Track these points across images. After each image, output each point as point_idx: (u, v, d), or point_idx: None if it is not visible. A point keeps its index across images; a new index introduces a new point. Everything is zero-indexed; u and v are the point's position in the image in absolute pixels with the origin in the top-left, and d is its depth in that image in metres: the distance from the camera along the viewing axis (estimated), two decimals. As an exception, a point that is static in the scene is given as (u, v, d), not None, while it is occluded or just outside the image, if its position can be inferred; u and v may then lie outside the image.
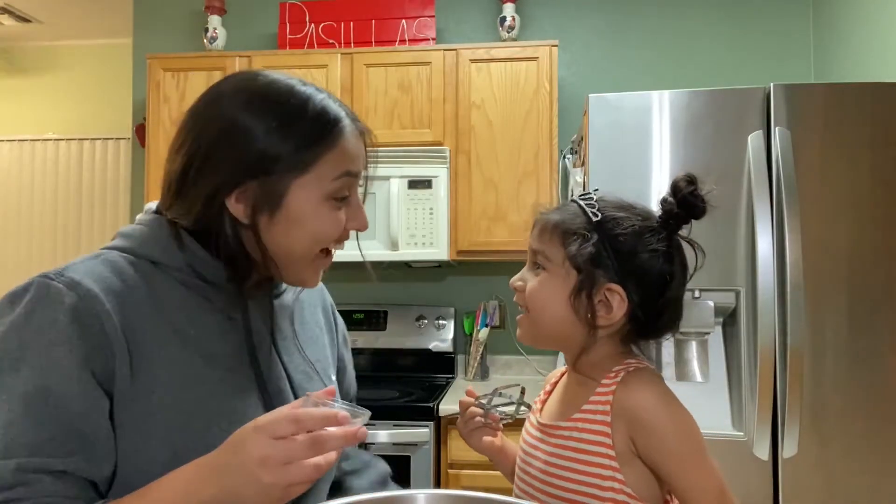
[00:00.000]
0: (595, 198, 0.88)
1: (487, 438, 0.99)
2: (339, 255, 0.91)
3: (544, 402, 0.98)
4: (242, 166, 0.78)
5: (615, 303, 0.85)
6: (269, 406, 0.82)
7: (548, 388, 1.00)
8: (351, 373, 1.11)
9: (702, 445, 0.83)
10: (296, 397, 0.86)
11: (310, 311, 1.00)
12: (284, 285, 0.94)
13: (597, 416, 0.84)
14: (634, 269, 0.84)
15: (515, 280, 0.92)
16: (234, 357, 0.82)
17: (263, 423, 0.66)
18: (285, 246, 0.81)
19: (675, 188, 0.85)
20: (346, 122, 0.83)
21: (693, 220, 0.86)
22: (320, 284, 1.01)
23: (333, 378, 1.00)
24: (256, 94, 0.81)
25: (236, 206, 0.80)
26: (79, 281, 0.73)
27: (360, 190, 0.88)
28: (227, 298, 0.83)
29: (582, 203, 0.87)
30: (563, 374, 0.99)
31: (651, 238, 0.85)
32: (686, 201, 0.84)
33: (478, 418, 0.98)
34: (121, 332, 0.74)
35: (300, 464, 0.65)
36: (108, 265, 0.78)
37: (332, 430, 0.66)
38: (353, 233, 0.88)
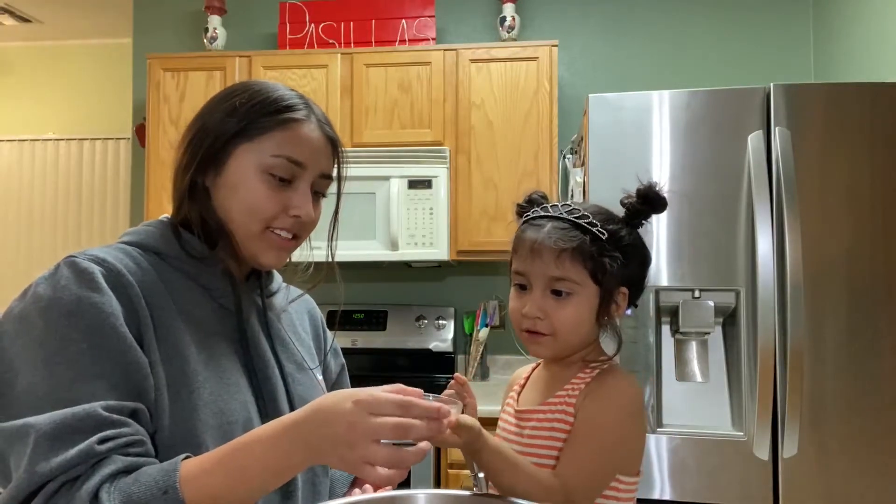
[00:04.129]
0: (581, 211, 0.93)
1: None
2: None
3: (519, 393, 1.05)
4: (207, 142, 0.88)
5: (622, 300, 0.96)
6: (257, 389, 0.88)
7: (522, 381, 1.06)
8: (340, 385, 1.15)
9: (616, 447, 0.90)
10: (286, 385, 0.93)
11: (298, 315, 1.07)
12: (276, 286, 1.02)
13: (565, 399, 0.92)
14: (635, 267, 0.96)
15: (534, 312, 0.92)
16: (228, 343, 0.88)
17: (365, 398, 0.69)
18: (227, 212, 0.89)
19: (636, 191, 0.96)
20: (307, 117, 0.91)
21: (656, 215, 0.97)
22: (312, 302, 1.11)
23: (320, 378, 1.04)
24: (232, 88, 0.92)
25: (199, 177, 0.89)
26: (103, 258, 0.81)
27: (323, 190, 0.94)
28: (222, 287, 0.90)
29: (583, 224, 0.92)
30: (534, 369, 1.07)
31: (633, 235, 0.97)
32: (648, 197, 0.95)
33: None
34: (143, 302, 0.80)
35: (386, 454, 0.67)
36: (123, 251, 0.85)
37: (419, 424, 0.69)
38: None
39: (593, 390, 0.91)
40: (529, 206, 1.01)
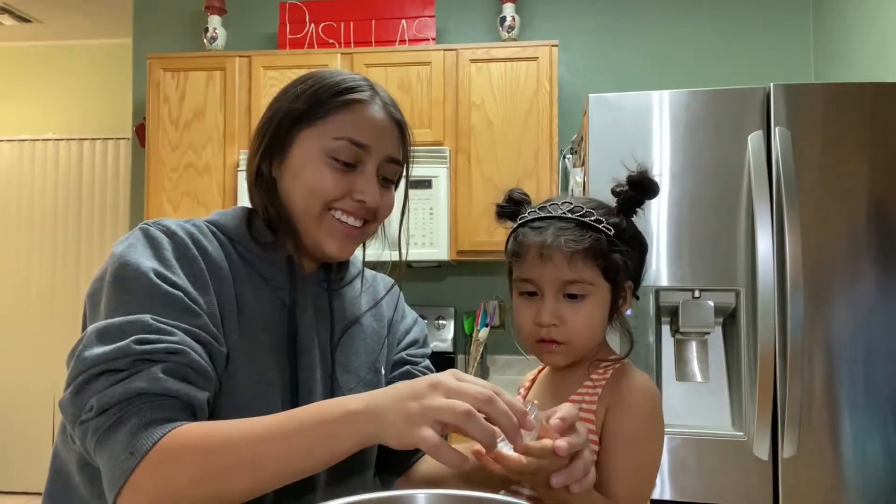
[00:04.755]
0: (584, 208, 0.89)
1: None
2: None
3: (524, 397, 1.01)
4: (270, 129, 0.88)
5: (629, 294, 0.93)
6: (294, 391, 0.86)
7: (527, 384, 1.03)
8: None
9: (654, 451, 0.87)
10: (332, 393, 0.89)
11: (383, 311, 1.03)
12: (350, 276, 0.99)
13: (583, 405, 0.88)
14: (637, 258, 0.93)
15: (549, 318, 0.88)
16: (276, 337, 0.86)
17: (460, 374, 0.67)
18: (290, 197, 0.87)
19: (627, 179, 0.91)
20: (371, 99, 0.88)
21: (648, 200, 0.93)
22: (395, 287, 1.06)
23: (382, 373, 1.00)
24: (298, 77, 0.90)
25: (265, 165, 0.89)
26: (174, 230, 0.82)
27: (384, 176, 0.91)
28: (281, 279, 0.88)
29: (589, 221, 0.88)
30: (540, 371, 1.03)
31: (631, 225, 0.93)
32: (641, 184, 0.90)
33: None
34: (208, 277, 0.81)
35: (454, 402, 0.62)
36: (196, 227, 0.86)
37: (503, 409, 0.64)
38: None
39: (614, 398, 0.87)
40: (512, 206, 0.96)
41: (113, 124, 4.10)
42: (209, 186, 2.85)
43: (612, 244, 0.88)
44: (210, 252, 0.84)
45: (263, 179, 0.89)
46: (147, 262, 0.77)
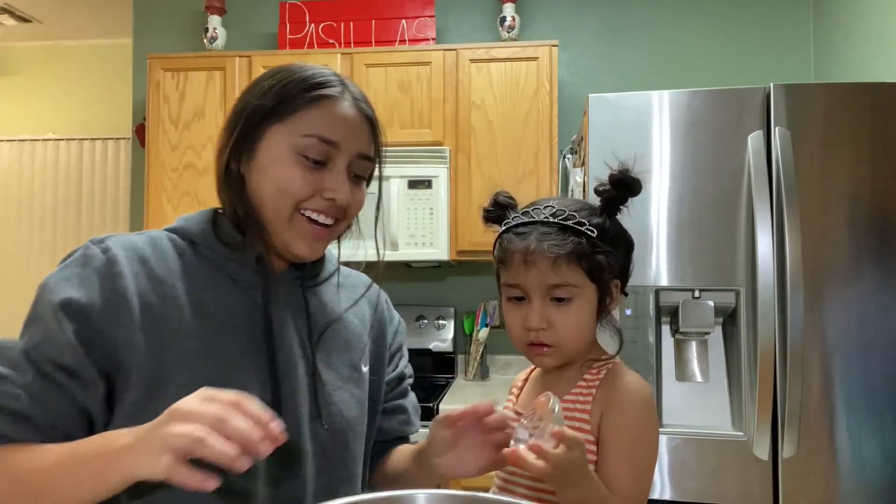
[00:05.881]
0: (566, 211, 0.90)
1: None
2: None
3: (517, 397, 1.02)
4: (238, 125, 0.86)
5: (616, 292, 0.95)
6: (276, 389, 0.83)
7: (519, 384, 1.04)
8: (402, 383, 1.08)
9: (652, 448, 0.90)
10: (315, 391, 0.88)
11: (359, 310, 1.02)
12: (326, 274, 0.98)
13: (577, 405, 0.89)
14: (622, 256, 0.95)
15: (537, 322, 0.89)
16: (250, 337, 0.84)
17: (210, 391, 0.66)
18: (259, 196, 0.85)
19: (609, 178, 0.94)
20: (341, 94, 0.87)
21: (632, 198, 0.94)
22: (375, 287, 1.05)
23: (365, 370, 0.98)
24: (267, 71, 0.89)
25: (234, 162, 0.87)
26: (110, 247, 0.82)
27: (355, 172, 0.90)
28: (251, 278, 0.86)
29: (571, 225, 0.89)
30: (532, 370, 1.04)
31: (615, 224, 0.94)
32: (623, 182, 0.92)
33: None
34: (131, 294, 0.79)
35: (187, 428, 0.61)
36: (147, 239, 0.85)
37: (240, 421, 0.62)
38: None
39: (609, 399, 0.88)
40: (498, 211, 0.97)
41: (113, 124, 4.10)
42: (209, 186, 2.83)
43: (595, 245, 0.89)
44: (153, 262, 0.82)
45: (232, 177, 0.87)
46: (63, 291, 0.78)
